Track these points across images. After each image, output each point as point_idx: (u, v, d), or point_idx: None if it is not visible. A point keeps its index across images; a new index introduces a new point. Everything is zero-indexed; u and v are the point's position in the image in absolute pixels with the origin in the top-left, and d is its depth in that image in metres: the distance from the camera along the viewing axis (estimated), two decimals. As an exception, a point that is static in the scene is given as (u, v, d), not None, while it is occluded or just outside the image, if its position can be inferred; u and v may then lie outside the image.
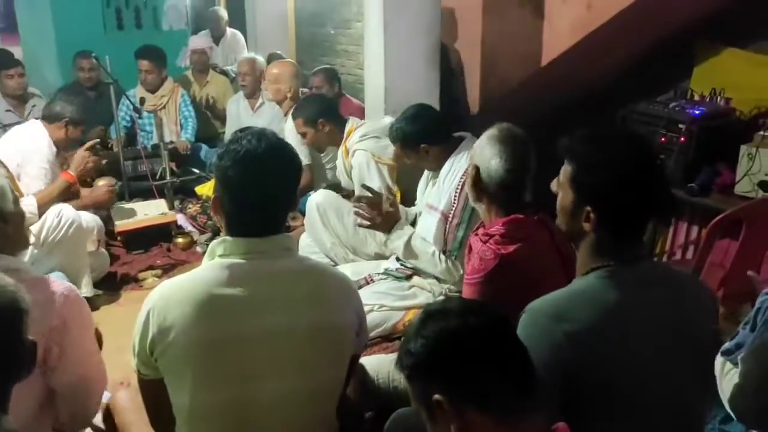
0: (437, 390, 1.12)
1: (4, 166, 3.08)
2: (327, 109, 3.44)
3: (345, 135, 3.35)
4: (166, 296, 1.44)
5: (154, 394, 1.50)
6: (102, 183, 3.58)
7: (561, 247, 1.95)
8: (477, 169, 1.96)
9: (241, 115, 4.71)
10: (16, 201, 1.78)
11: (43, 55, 5.79)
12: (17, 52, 5.37)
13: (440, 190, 2.67)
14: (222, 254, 1.46)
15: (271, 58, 5.28)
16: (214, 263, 1.46)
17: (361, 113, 3.96)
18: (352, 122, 3.38)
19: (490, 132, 1.99)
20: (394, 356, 1.62)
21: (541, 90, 3.51)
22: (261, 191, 1.44)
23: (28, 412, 1.61)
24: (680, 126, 3.14)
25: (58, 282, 1.71)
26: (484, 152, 1.95)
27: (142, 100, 4.52)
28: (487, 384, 1.12)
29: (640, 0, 2.91)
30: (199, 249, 3.61)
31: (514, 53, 3.41)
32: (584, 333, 1.32)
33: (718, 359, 1.64)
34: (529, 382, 1.16)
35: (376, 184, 3.17)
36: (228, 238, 1.47)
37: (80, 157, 3.29)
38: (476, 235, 1.98)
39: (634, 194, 1.35)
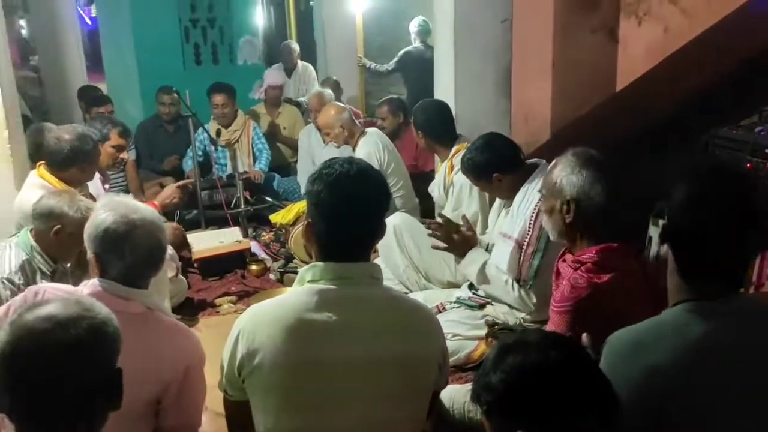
0: (518, 426, 1.09)
1: None
2: (430, 122, 3.47)
3: (453, 151, 3.35)
4: (255, 319, 1.47)
5: (240, 417, 1.53)
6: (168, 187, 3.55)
7: (651, 280, 1.88)
8: (574, 201, 1.86)
9: (312, 147, 4.80)
10: None
11: (127, 91, 6.12)
12: (102, 88, 5.70)
13: (514, 218, 2.63)
14: (311, 280, 1.48)
15: (324, 84, 5.41)
16: (303, 289, 1.48)
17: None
18: (463, 141, 3.32)
19: (569, 160, 1.90)
20: (468, 386, 1.59)
21: (615, 115, 3.43)
22: (352, 212, 1.46)
23: None
24: (766, 151, 3.00)
25: (188, 329, 1.85)
26: (573, 181, 1.86)
27: (218, 132, 4.68)
28: (570, 420, 1.09)
29: (720, 21, 2.81)
30: (272, 276, 3.66)
31: (586, 78, 3.35)
32: (664, 365, 1.27)
33: None
34: (612, 416, 1.12)
35: (473, 208, 3.16)
36: (318, 263, 1.49)
37: (170, 190, 3.41)
38: (564, 261, 1.92)
39: (704, 241, 1.33)
